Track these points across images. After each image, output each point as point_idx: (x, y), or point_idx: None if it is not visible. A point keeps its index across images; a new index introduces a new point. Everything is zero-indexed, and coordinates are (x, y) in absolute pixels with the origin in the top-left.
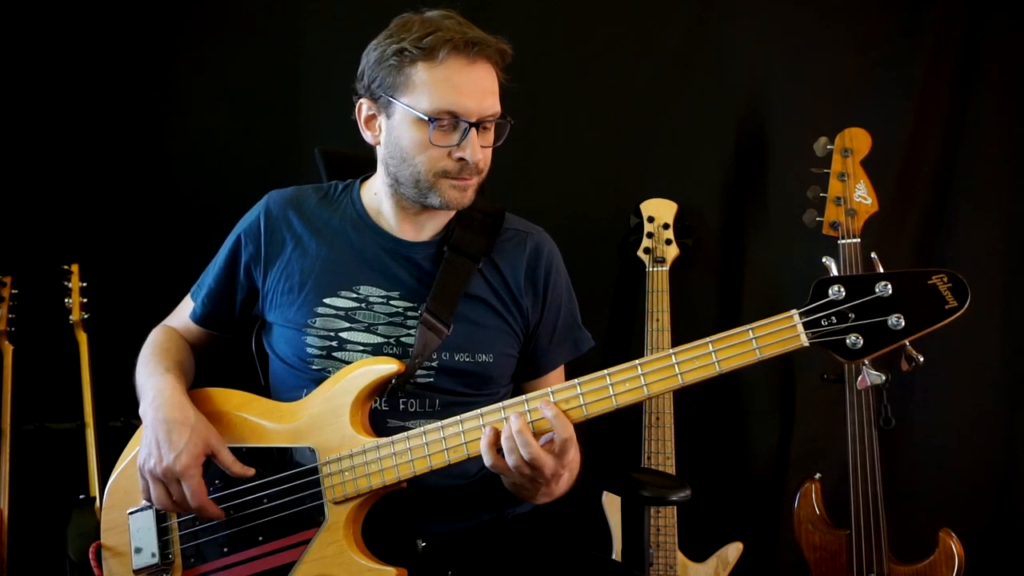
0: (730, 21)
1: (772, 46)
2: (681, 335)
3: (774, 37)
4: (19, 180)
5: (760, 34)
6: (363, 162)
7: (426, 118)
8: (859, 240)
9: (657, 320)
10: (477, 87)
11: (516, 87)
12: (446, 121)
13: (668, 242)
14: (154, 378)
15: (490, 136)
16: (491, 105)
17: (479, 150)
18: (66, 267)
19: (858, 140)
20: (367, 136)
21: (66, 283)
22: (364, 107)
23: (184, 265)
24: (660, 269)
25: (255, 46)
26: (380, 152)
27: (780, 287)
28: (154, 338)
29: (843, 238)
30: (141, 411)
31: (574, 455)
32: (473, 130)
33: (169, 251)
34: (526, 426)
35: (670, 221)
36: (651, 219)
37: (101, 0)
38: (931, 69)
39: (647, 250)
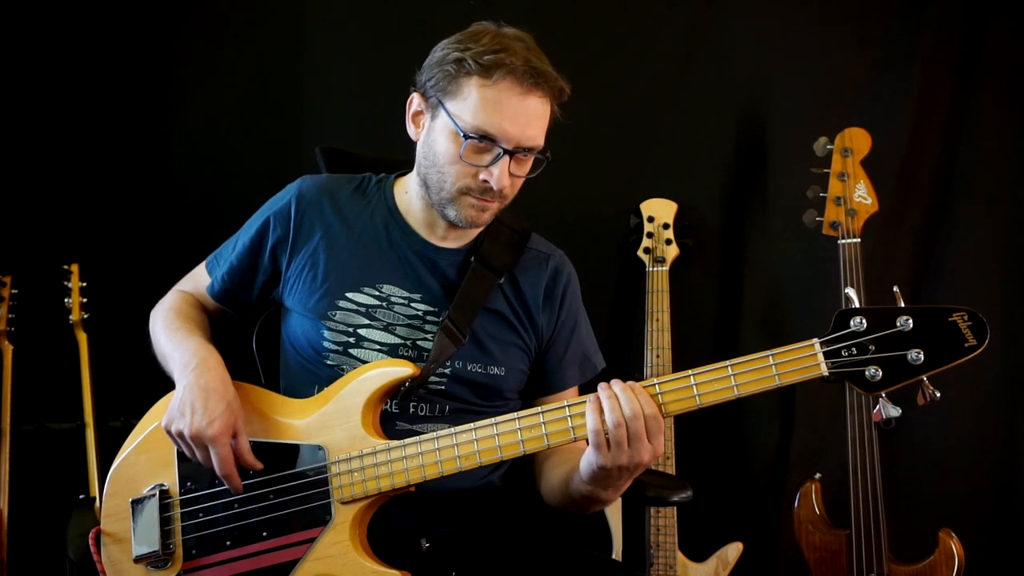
0: (730, 21)
1: (772, 46)
2: (681, 335)
3: (774, 37)
4: (19, 180)
5: (760, 34)
6: (363, 162)
7: (462, 134)
8: (859, 240)
9: (657, 320)
10: (522, 116)
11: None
12: (483, 141)
13: (668, 242)
14: (191, 342)
15: (525, 167)
16: (532, 137)
17: (506, 177)
18: (66, 267)
19: (858, 140)
20: (411, 130)
21: (66, 283)
22: (415, 102)
23: (184, 265)
24: (660, 269)
25: (255, 46)
26: (417, 149)
27: (780, 287)
28: (175, 302)
29: (843, 238)
30: (177, 373)
31: (660, 444)
32: (506, 157)
33: (169, 251)
34: (628, 387)
35: (670, 221)
36: (651, 219)
37: (101, 0)
38: (931, 69)
39: (647, 250)
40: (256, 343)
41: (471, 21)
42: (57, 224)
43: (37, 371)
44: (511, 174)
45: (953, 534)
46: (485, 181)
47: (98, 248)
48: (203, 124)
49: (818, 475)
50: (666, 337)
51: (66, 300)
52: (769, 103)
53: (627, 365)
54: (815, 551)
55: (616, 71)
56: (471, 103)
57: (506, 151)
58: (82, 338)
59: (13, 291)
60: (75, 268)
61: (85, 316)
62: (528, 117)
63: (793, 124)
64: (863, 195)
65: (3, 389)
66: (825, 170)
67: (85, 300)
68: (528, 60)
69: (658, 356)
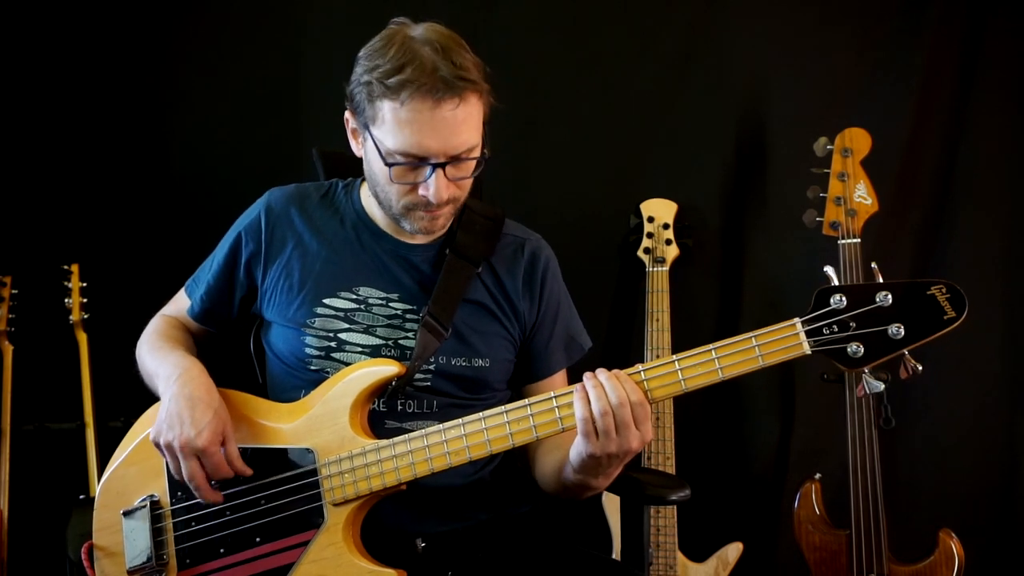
0: (730, 21)
1: (772, 46)
2: (681, 335)
3: (774, 37)
4: (19, 180)
5: (760, 34)
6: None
7: (383, 160)
8: (859, 240)
9: (657, 320)
10: (440, 127)
11: (514, 91)
12: (409, 163)
13: (668, 242)
14: (174, 356)
15: (466, 168)
16: (461, 143)
17: (443, 189)
18: (66, 267)
19: (858, 140)
20: (353, 147)
21: (66, 283)
22: (350, 120)
23: (184, 265)
24: (660, 269)
25: (255, 46)
26: (363, 166)
27: (780, 287)
28: (158, 325)
29: (843, 238)
30: (162, 387)
31: (648, 430)
32: (439, 169)
33: (169, 251)
34: (613, 375)
35: (670, 221)
36: (651, 219)
37: (101, 0)
38: (931, 69)
39: (647, 250)
40: (253, 346)
41: (471, 22)
42: (57, 224)
43: (37, 371)
44: (452, 180)
45: (953, 534)
46: (424, 196)
47: (98, 248)
48: (203, 124)
49: (818, 475)
50: (666, 337)
51: (66, 300)
52: (769, 103)
53: (627, 365)
54: (815, 551)
55: (616, 71)
56: (388, 127)
57: (436, 165)
58: (82, 338)
59: (13, 291)
60: (75, 268)
61: (85, 316)
62: (447, 128)
63: (793, 124)
64: (863, 195)
65: (3, 389)
66: (825, 170)
67: (85, 300)
68: (435, 69)
69: (658, 356)
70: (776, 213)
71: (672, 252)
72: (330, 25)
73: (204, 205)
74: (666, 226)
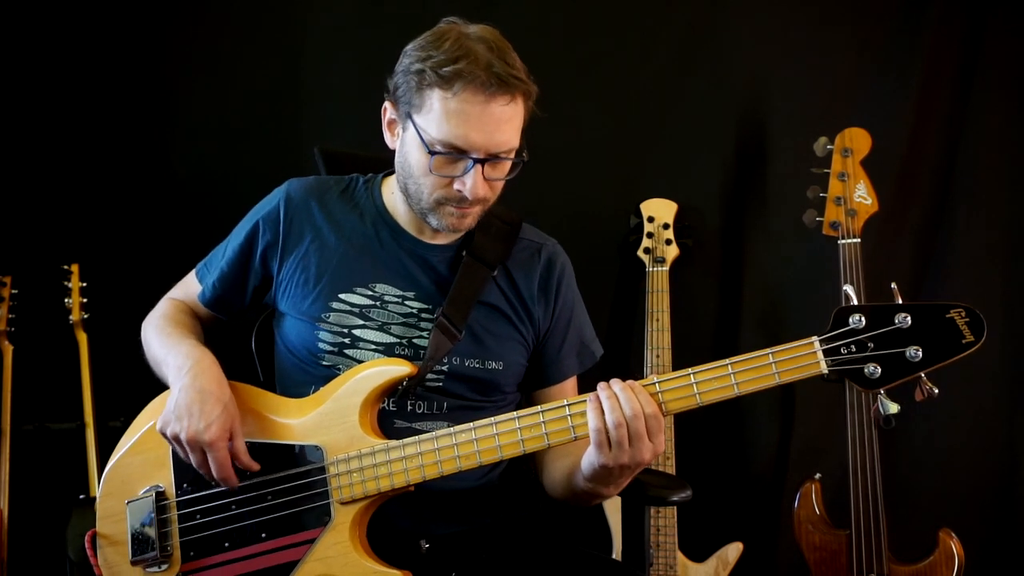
0: (730, 21)
1: (772, 46)
2: (681, 335)
3: (774, 37)
4: (19, 180)
5: (760, 34)
6: (363, 162)
7: (427, 149)
8: (859, 240)
9: (657, 320)
10: (487, 123)
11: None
12: (451, 154)
13: (668, 242)
14: (185, 345)
15: (502, 170)
16: (504, 141)
17: (480, 186)
18: (66, 267)
19: (858, 140)
20: (387, 138)
21: (66, 283)
22: (388, 111)
23: (184, 265)
24: (660, 269)
25: (255, 46)
26: (395, 157)
27: (780, 287)
28: (166, 309)
29: (843, 238)
30: (172, 377)
31: (661, 442)
32: (478, 165)
33: (169, 251)
34: (628, 386)
35: (670, 221)
36: (651, 219)
37: (102, 0)
38: (931, 69)
39: (647, 250)
40: (255, 343)
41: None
42: (57, 224)
43: (37, 371)
44: (487, 179)
45: (953, 534)
46: (459, 191)
47: (98, 248)
48: (203, 124)
49: (818, 475)
50: (666, 337)
51: (66, 300)
52: (769, 103)
53: (627, 365)
54: (815, 551)
55: (616, 71)
56: (435, 116)
57: (476, 160)
58: (82, 338)
59: (13, 291)
60: (75, 268)
61: (85, 316)
62: (494, 123)
63: (793, 124)
64: (863, 195)
65: (3, 389)
66: (825, 170)
67: (85, 300)
68: (490, 65)
69: (658, 356)
70: (776, 213)
71: (672, 252)
72: (330, 25)
73: (204, 205)
74: (666, 226)
